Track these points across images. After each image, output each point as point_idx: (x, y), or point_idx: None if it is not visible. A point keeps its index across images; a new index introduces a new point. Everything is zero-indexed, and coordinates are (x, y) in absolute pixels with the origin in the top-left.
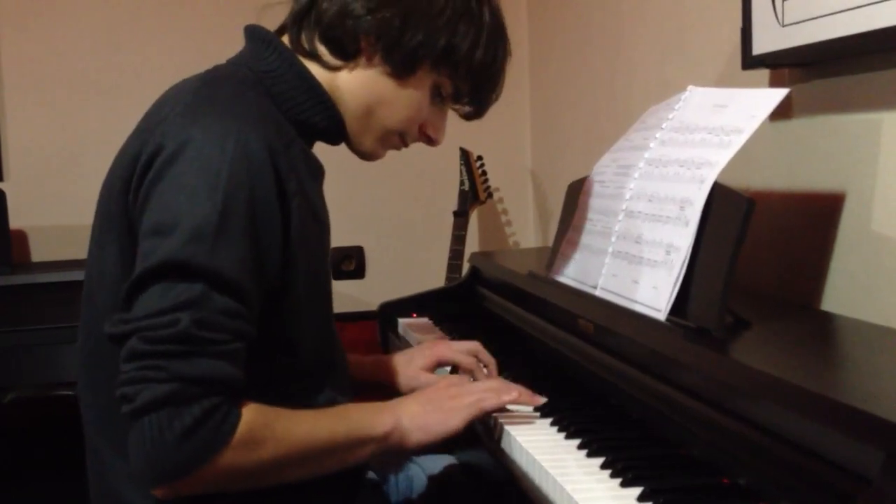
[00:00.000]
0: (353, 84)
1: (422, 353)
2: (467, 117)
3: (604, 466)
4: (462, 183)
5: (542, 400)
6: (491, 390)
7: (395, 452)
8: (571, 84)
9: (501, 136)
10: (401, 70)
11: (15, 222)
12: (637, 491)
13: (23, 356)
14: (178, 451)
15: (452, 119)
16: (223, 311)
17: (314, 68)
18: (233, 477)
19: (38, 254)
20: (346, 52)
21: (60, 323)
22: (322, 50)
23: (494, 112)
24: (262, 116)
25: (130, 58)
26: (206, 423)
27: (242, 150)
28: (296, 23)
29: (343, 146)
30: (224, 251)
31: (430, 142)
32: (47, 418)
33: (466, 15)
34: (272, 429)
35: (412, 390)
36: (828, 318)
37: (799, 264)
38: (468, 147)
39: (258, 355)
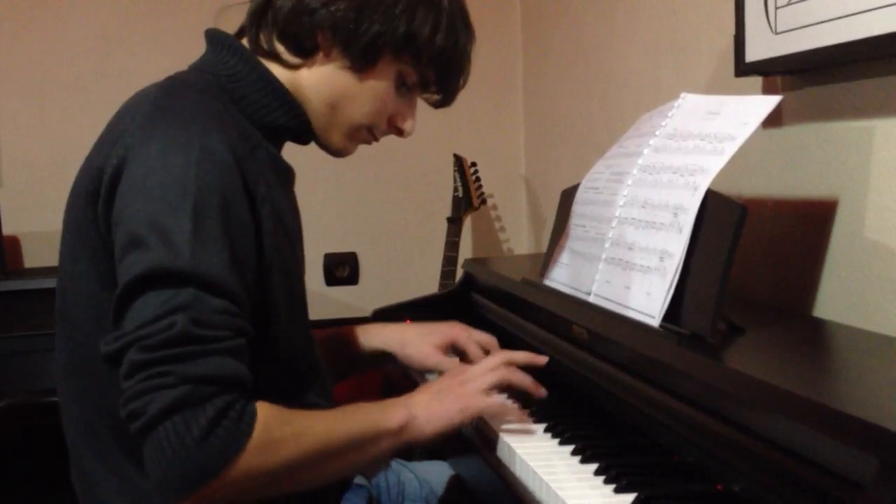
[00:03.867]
0: (315, 81)
1: (440, 330)
2: (437, 105)
3: (597, 472)
4: (456, 189)
5: (544, 392)
6: (497, 365)
7: (414, 444)
8: (565, 91)
9: (495, 142)
10: (360, 62)
11: (8, 228)
12: (630, 497)
13: (16, 363)
14: (200, 455)
15: (446, 125)
16: (218, 310)
17: (275, 68)
18: (258, 478)
19: (31, 260)
20: (304, 49)
21: (54, 329)
22: (280, 49)
23: (488, 119)
24: (224, 123)
25: (123, 65)
26: (224, 422)
27: (208, 156)
28: (253, 23)
29: (317, 149)
30: (204, 254)
31: (400, 133)
32: (41, 425)
33: (424, 1)
34: (290, 425)
35: (422, 367)
36: (820, 324)
37: (792, 271)
38: (462, 153)
39: None
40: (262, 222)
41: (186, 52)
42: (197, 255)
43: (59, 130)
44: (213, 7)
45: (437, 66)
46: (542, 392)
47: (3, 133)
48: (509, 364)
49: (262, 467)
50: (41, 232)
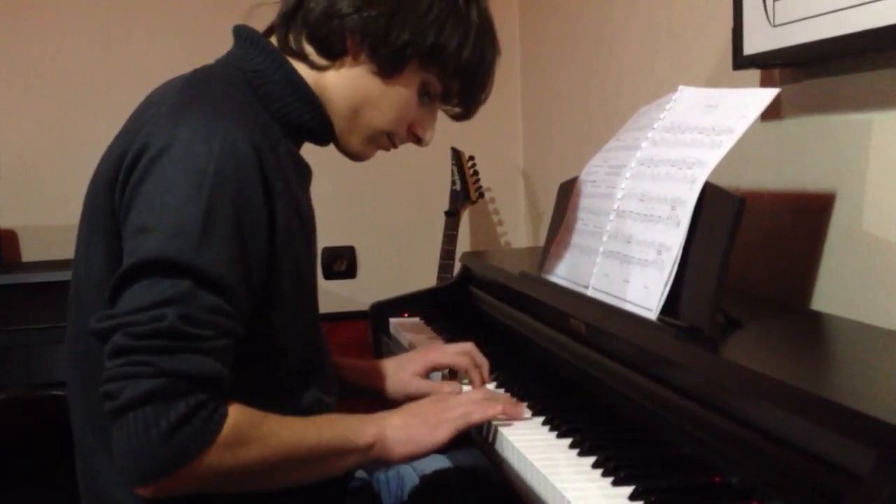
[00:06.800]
0: (341, 83)
1: (414, 358)
2: (456, 118)
3: (595, 465)
4: (454, 183)
5: (525, 413)
6: (476, 403)
7: (380, 464)
8: (563, 84)
9: (493, 136)
10: (388, 68)
11: (5, 222)
12: (628, 490)
13: (14, 356)
14: (163, 448)
15: (444, 119)
16: (209, 308)
17: (301, 68)
18: (218, 477)
19: (29, 253)
20: (333, 52)
21: (52, 323)
22: (309, 50)
23: (486, 112)
24: (248, 116)
25: (121, 58)
26: (193, 420)
27: (229, 149)
28: (283, 23)
29: (332, 147)
30: (210, 249)
31: (419, 142)
32: (39, 419)
33: (454, 14)
34: (259, 430)
35: (404, 396)
36: (818, 317)
37: (789, 264)
38: (460, 147)
39: (244, 356)
40: (277, 216)
41: (186, 45)
42: (203, 248)
43: (57, 124)
44: (213, 2)
45: (462, 79)
46: (521, 413)
47: (1, 126)
48: (488, 400)
49: (224, 468)
50: (39, 226)
